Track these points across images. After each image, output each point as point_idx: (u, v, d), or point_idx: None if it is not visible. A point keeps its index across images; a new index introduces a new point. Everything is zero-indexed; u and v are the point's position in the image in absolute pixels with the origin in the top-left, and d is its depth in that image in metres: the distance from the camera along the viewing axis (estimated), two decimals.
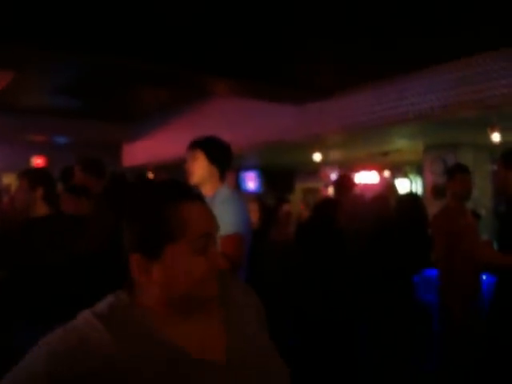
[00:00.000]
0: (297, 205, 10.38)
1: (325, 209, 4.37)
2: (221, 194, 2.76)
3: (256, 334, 1.18)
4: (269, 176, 12.16)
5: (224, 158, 2.87)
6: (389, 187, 6.89)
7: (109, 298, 1.07)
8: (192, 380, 1.00)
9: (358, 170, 12.42)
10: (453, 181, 4.16)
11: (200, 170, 2.78)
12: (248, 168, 12.18)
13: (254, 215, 4.48)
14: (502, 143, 6.30)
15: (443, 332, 4.14)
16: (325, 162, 10.60)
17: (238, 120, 8.40)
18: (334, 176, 11.71)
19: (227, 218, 2.47)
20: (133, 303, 1.05)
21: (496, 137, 5.97)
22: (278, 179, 12.08)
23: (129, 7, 4.15)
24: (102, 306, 1.05)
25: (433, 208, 4.87)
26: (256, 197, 8.98)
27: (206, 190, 2.74)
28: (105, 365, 0.93)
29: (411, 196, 6.12)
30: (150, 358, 0.97)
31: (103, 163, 4.18)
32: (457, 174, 4.18)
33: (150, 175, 9.56)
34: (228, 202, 2.69)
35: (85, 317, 1.01)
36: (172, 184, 1.11)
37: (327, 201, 4.82)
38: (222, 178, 2.86)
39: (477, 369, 3.73)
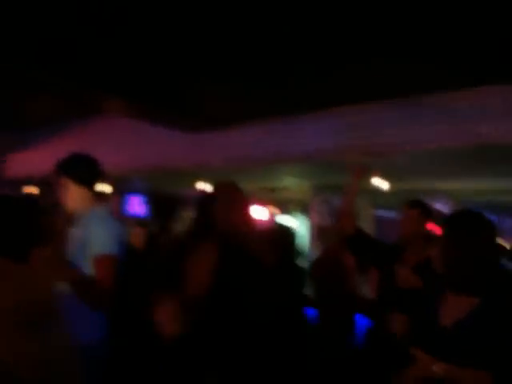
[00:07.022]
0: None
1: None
2: (95, 213, 2.76)
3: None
4: (155, 202, 11.84)
5: (92, 176, 2.86)
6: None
7: None
8: None
9: None
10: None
11: (71, 196, 2.81)
12: (135, 192, 11.80)
13: (137, 240, 4.68)
14: (385, 189, 6.54)
15: None
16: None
17: (126, 141, 8.16)
18: None
19: (99, 239, 2.60)
20: None
21: (376, 181, 6.18)
22: (163, 206, 11.79)
23: (19, 17, 3.89)
24: None
25: (317, 249, 4.90)
26: (140, 221, 8.68)
27: (82, 212, 2.78)
28: None
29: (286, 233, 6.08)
30: None
31: None
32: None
33: (33, 189, 9.06)
34: (101, 222, 2.72)
35: None
36: None
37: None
38: (93, 195, 2.85)
39: None
